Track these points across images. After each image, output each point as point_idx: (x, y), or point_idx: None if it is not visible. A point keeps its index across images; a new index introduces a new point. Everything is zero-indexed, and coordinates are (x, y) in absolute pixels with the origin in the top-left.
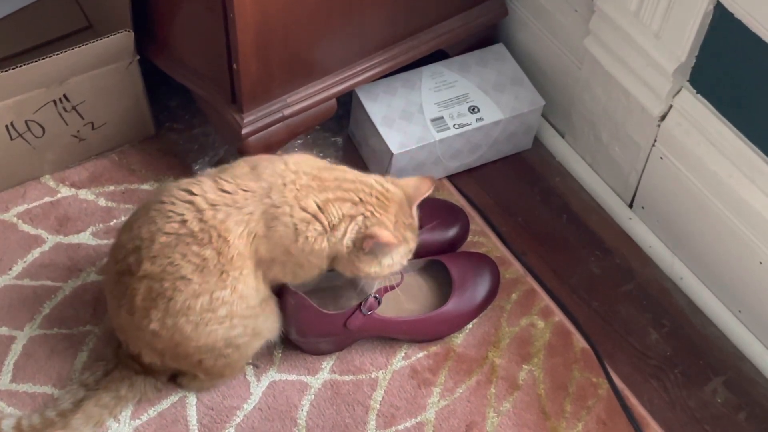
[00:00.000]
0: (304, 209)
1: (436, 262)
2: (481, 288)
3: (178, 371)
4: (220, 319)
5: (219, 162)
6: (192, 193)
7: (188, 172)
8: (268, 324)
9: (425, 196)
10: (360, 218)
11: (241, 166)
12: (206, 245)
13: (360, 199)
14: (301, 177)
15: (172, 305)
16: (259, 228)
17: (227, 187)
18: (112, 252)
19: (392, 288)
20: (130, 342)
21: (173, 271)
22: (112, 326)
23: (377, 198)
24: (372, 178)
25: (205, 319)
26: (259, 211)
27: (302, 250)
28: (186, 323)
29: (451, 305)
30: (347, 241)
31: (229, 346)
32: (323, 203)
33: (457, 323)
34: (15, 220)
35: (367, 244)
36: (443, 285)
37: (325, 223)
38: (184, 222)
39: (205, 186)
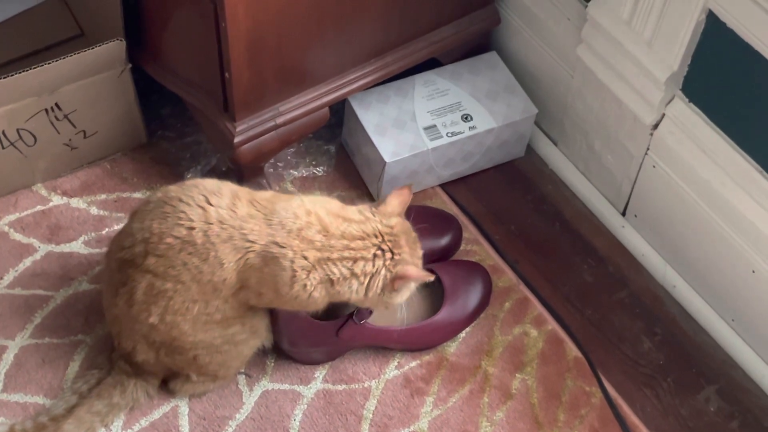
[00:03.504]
0: (305, 258)
1: (428, 270)
2: (474, 296)
3: (171, 373)
4: (217, 320)
5: (211, 171)
6: (209, 202)
7: (180, 180)
8: (265, 322)
9: (409, 201)
10: (383, 270)
11: (264, 191)
12: (205, 260)
13: (374, 254)
14: (312, 225)
15: (172, 304)
16: (256, 260)
17: (240, 209)
18: (118, 238)
19: None
20: (123, 335)
21: (175, 275)
22: (105, 331)
23: (389, 242)
24: (375, 222)
25: (203, 319)
26: (260, 245)
27: (294, 297)
28: (184, 321)
29: (444, 314)
30: (377, 290)
31: (226, 342)
32: (324, 261)
33: (449, 332)
34: (6, 228)
35: (397, 284)
36: (435, 293)
37: (324, 275)
38: (191, 229)
39: (222, 201)
